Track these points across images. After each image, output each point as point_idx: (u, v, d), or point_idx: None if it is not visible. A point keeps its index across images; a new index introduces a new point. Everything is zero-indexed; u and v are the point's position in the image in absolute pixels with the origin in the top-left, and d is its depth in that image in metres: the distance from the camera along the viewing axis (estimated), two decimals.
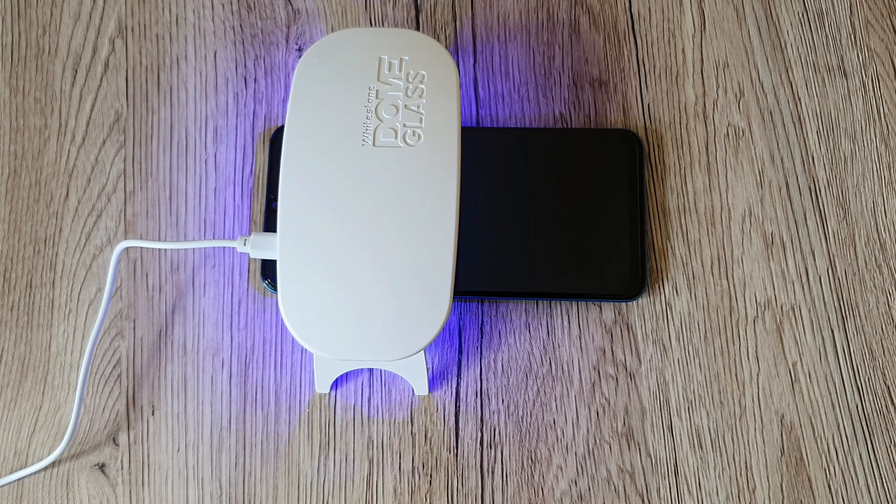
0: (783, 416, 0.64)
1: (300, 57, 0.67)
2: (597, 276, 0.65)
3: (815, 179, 0.68)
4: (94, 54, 0.71)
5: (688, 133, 0.69)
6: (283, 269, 0.58)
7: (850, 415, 0.64)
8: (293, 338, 0.62)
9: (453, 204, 0.59)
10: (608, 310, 0.66)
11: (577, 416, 0.64)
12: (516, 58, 0.71)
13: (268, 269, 0.66)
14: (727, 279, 0.66)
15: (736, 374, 0.64)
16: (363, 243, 0.58)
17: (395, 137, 0.60)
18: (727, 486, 0.62)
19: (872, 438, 0.63)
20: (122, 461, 0.63)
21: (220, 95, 0.70)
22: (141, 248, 0.66)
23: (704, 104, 0.70)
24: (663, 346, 0.65)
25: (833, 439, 0.63)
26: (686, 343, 0.65)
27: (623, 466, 0.63)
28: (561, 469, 0.63)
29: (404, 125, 0.61)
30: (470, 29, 0.72)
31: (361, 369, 0.65)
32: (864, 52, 0.71)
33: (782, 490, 0.62)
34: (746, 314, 0.65)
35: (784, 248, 0.67)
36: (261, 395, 0.64)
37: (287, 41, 0.71)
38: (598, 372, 0.65)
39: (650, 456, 0.63)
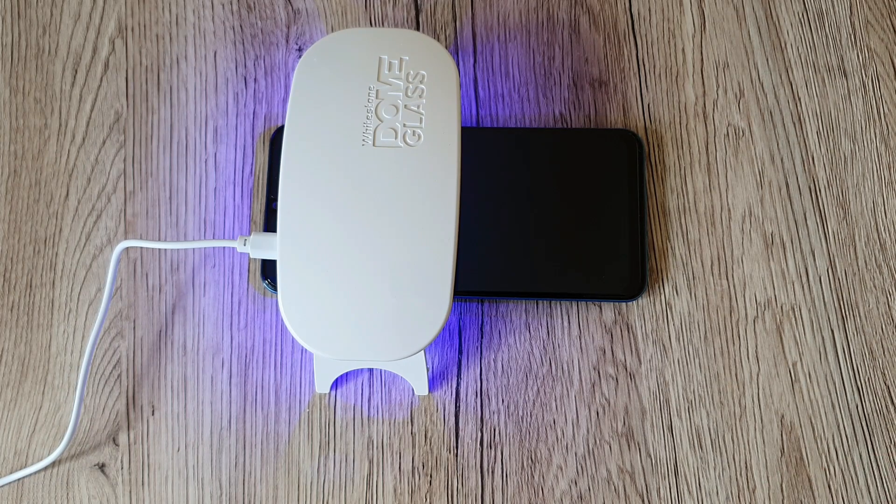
0: (783, 416, 0.64)
1: (300, 57, 0.67)
2: (597, 276, 0.65)
3: (815, 179, 0.68)
4: (94, 54, 0.71)
5: (688, 133, 0.69)
6: (283, 269, 0.58)
7: (850, 415, 0.64)
8: (293, 338, 0.62)
9: (453, 204, 0.59)
10: (608, 310, 0.66)
11: (577, 416, 0.64)
12: (516, 58, 0.71)
13: (268, 269, 0.66)
14: (727, 279, 0.66)
15: (736, 374, 0.64)
16: (363, 243, 0.58)
17: (395, 137, 0.60)
18: (727, 486, 0.62)
19: (872, 438, 0.63)
20: (122, 461, 0.63)
21: (220, 95, 0.70)
22: (141, 248, 0.66)
23: (704, 104, 0.70)
24: (663, 346, 0.65)
25: (833, 439, 0.63)
26: (686, 343, 0.65)
27: (623, 466, 0.63)
28: (561, 469, 0.63)
29: (404, 125, 0.61)
30: (470, 29, 0.72)
31: (361, 369, 0.65)
32: (864, 52, 0.71)
33: (782, 490, 0.62)
34: (746, 314, 0.65)
35: (784, 248, 0.67)
36: (261, 395, 0.64)
37: (287, 41, 0.71)
38: (598, 372, 0.65)
39: (650, 456, 0.63)
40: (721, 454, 0.63)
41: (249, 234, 0.67)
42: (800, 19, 0.71)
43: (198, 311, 0.66)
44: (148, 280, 0.66)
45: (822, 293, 0.66)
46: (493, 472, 0.63)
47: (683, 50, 0.71)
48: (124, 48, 0.71)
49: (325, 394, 0.64)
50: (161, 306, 0.66)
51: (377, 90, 0.62)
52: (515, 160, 0.68)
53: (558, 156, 0.68)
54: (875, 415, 0.64)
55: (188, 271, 0.67)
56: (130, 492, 0.63)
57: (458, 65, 0.70)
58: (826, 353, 0.65)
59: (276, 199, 0.61)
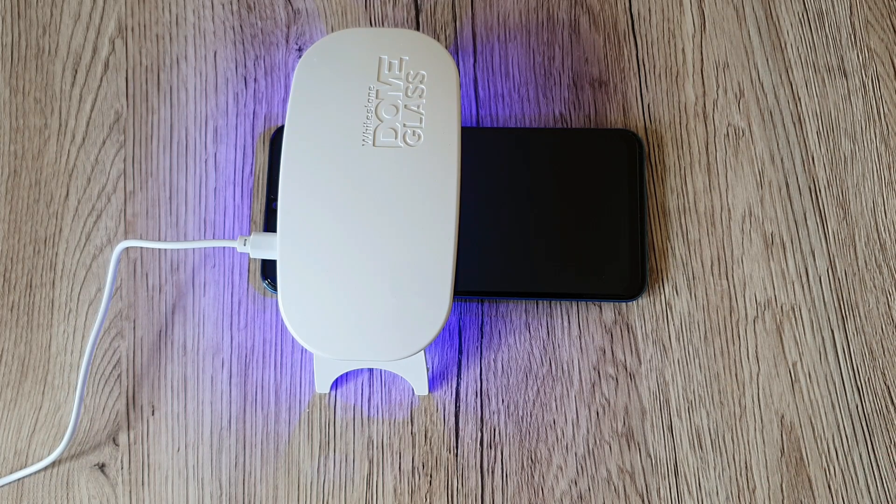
0: (783, 417, 0.64)
1: (300, 57, 0.67)
2: (597, 276, 0.65)
3: (815, 179, 0.68)
4: (94, 54, 0.71)
5: (688, 133, 0.69)
6: (283, 269, 0.58)
7: (850, 415, 0.64)
8: (293, 338, 0.62)
9: (453, 204, 0.59)
10: (608, 310, 0.66)
11: (577, 417, 0.64)
12: (516, 58, 0.71)
13: (268, 269, 0.66)
14: (727, 279, 0.66)
15: (736, 375, 0.64)
16: (363, 243, 0.58)
17: (395, 137, 0.60)
18: (727, 486, 0.62)
19: (872, 438, 0.63)
20: (122, 461, 0.63)
21: (220, 95, 0.70)
22: (141, 248, 0.66)
23: (704, 104, 0.70)
24: (663, 346, 0.65)
25: (833, 439, 0.63)
26: (686, 343, 0.65)
27: (623, 466, 0.63)
28: (561, 469, 0.63)
29: (404, 125, 0.61)
30: (470, 29, 0.72)
31: (361, 369, 0.65)
32: (864, 52, 0.71)
33: (782, 490, 0.62)
34: (746, 314, 0.65)
35: (784, 248, 0.67)
36: (261, 395, 0.64)
37: (287, 41, 0.71)
38: (598, 372, 0.65)
39: (650, 456, 0.63)
40: (721, 454, 0.63)
41: (249, 234, 0.67)
42: (800, 19, 0.71)
43: (198, 311, 0.66)
44: (148, 280, 0.66)
45: (822, 293, 0.66)
46: (493, 472, 0.63)
47: (683, 50, 0.71)
48: (124, 48, 0.71)
49: (325, 394, 0.64)
50: (161, 306, 0.66)
51: (377, 90, 0.62)
52: (515, 160, 0.68)
53: (558, 156, 0.68)
54: (875, 415, 0.64)
55: (188, 271, 0.67)
56: (130, 492, 0.63)
57: (458, 65, 0.70)
58: (826, 353, 0.65)
59: (276, 199, 0.61)
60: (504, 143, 0.68)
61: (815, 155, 0.69)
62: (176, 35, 0.71)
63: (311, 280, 0.58)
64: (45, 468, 0.63)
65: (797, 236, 0.67)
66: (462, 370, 0.65)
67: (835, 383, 0.64)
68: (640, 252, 0.65)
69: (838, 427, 0.63)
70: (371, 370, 0.65)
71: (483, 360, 0.65)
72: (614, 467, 0.63)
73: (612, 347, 0.65)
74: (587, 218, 0.66)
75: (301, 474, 0.63)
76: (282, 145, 0.60)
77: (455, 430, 0.64)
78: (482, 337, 0.65)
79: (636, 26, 0.72)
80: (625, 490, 0.63)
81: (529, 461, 0.63)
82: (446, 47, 0.71)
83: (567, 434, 0.64)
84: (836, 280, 0.66)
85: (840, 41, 0.71)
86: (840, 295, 0.66)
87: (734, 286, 0.66)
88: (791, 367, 0.64)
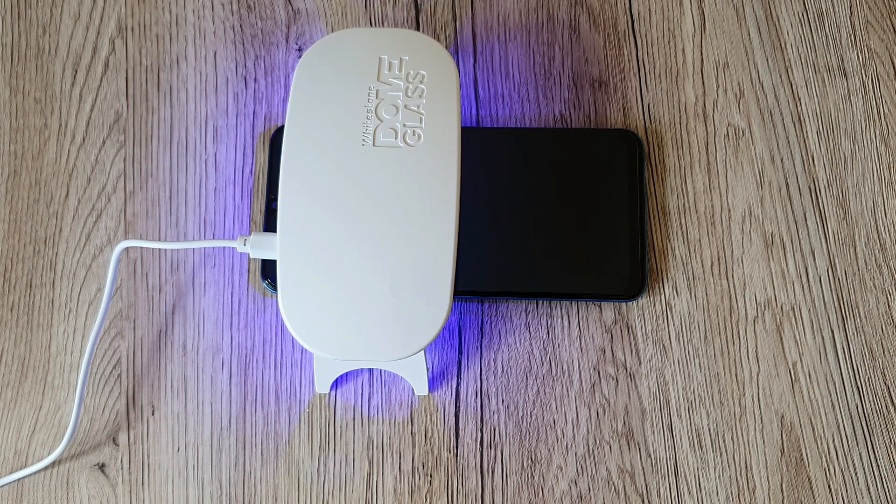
0: (783, 416, 0.64)
1: (300, 57, 0.67)
2: (597, 276, 0.65)
3: (815, 179, 0.68)
4: (94, 54, 0.71)
5: (688, 133, 0.69)
6: (283, 269, 0.58)
7: (850, 415, 0.64)
8: (293, 338, 0.62)
9: (453, 204, 0.59)
10: (608, 310, 0.66)
11: (577, 416, 0.64)
12: (516, 58, 0.71)
13: (268, 269, 0.66)
14: (727, 279, 0.66)
15: (736, 375, 0.64)
16: (363, 243, 0.58)
17: (395, 137, 0.60)
18: (727, 486, 0.62)
19: (872, 438, 0.63)
20: (122, 461, 0.63)
21: (220, 95, 0.70)
22: (141, 248, 0.66)
23: (704, 104, 0.70)
24: (663, 346, 0.65)
25: (833, 439, 0.63)
26: (686, 343, 0.65)
27: (623, 466, 0.63)
28: (561, 469, 0.63)
29: (404, 125, 0.61)
30: (470, 29, 0.72)
31: (361, 369, 0.65)
32: (864, 52, 0.71)
33: (782, 490, 0.62)
34: (746, 314, 0.65)
35: (784, 248, 0.67)
36: (261, 395, 0.64)
37: (287, 41, 0.71)
38: (598, 372, 0.65)
39: (650, 456, 0.63)
40: (721, 454, 0.63)
41: (249, 234, 0.67)
42: (800, 19, 0.71)
43: (198, 311, 0.66)
44: (148, 280, 0.66)
45: (822, 293, 0.66)
46: (493, 472, 0.63)
47: (683, 50, 0.71)
48: (124, 48, 0.71)
49: (325, 394, 0.64)
50: (161, 306, 0.66)
51: (377, 90, 0.62)
52: (515, 160, 0.68)
53: (558, 156, 0.68)
54: (875, 415, 0.64)
55: (188, 271, 0.67)
56: (130, 492, 0.63)
57: (458, 65, 0.70)
58: (826, 353, 0.65)
59: (276, 199, 0.61)
60: (504, 143, 0.68)
61: (815, 155, 0.69)
62: (176, 35, 0.71)
63: (311, 280, 0.58)
64: (45, 468, 0.63)
65: (797, 236, 0.67)
66: (462, 370, 0.65)
67: (835, 383, 0.64)
68: (640, 252, 0.65)
69: (838, 427, 0.63)
70: (371, 370, 0.65)
71: (483, 360, 0.65)
72: (614, 467, 0.63)
73: (612, 347, 0.65)
74: (587, 218, 0.66)
75: (301, 474, 0.63)
76: (282, 145, 0.60)
77: (455, 430, 0.64)
78: (482, 337, 0.65)
79: (636, 26, 0.72)
80: (625, 490, 0.63)
81: (529, 461, 0.63)
82: (446, 47, 0.71)
83: (567, 434, 0.64)
84: (836, 280, 0.66)
85: (840, 41, 0.71)
86: (840, 295, 0.66)
87: (734, 286, 0.66)
88: (791, 367, 0.64)
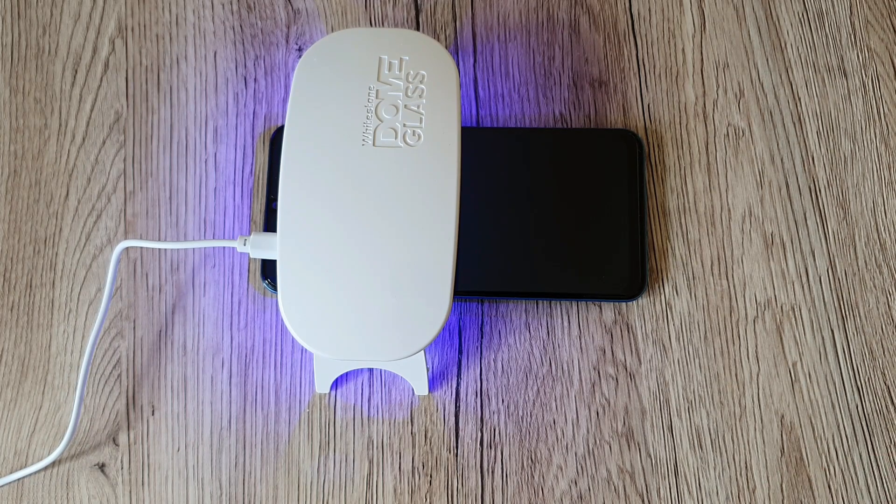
0: (783, 416, 0.64)
1: (300, 57, 0.67)
2: (597, 276, 0.65)
3: (815, 179, 0.68)
4: (94, 54, 0.71)
5: (688, 133, 0.69)
6: (283, 269, 0.58)
7: (850, 415, 0.64)
8: (293, 338, 0.62)
9: (453, 204, 0.59)
10: (608, 310, 0.66)
11: (577, 416, 0.64)
12: (516, 58, 0.71)
13: (268, 269, 0.66)
14: (727, 279, 0.66)
15: (736, 374, 0.64)
16: (363, 243, 0.58)
17: (395, 137, 0.60)
18: (727, 486, 0.62)
19: (872, 438, 0.63)
20: (122, 461, 0.63)
21: (220, 95, 0.70)
22: (141, 248, 0.66)
23: (704, 104, 0.70)
24: (663, 346, 0.65)
25: (833, 439, 0.63)
26: (686, 343, 0.65)
27: (623, 466, 0.63)
28: (561, 469, 0.63)
29: (404, 125, 0.61)
30: (470, 29, 0.72)
31: (361, 369, 0.65)
32: (864, 52, 0.71)
33: (782, 490, 0.62)
34: (746, 314, 0.65)
35: (784, 248, 0.67)
36: (261, 395, 0.64)
37: (287, 41, 0.71)
38: (598, 372, 0.65)
39: (650, 456, 0.63)
40: (721, 454, 0.63)
41: (249, 234, 0.67)
42: (800, 19, 0.71)
43: (198, 311, 0.66)
44: (148, 280, 0.66)
45: (822, 293, 0.66)
46: (493, 472, 0.63)
47: (683, 50, 0.71)
48: (124, 48, 0.71)
49: (325, 394, 0.64)
50: (161, 306, 0.66)
51: (377, 90, 0.62)
52: (515, 160, 0.68)
53: (558, 156, 0.68)
54: (875, 415, 0.64)
55: (188, 271, 0.67)
56: (130, 492, 0.63)
57: (458, 65, 0.70)
58: (826, 353, 0.65)
59: (276, 199, 0.61)
60: (504, 143, 0.68)
61: (815, 155, 0.69)
62: (176, 35, 0.71)
63: (311, 280, 0.58)
64: (45, 468, 0.63)
65: (797, 236, 0.67)
66: (462, 370, 0.65)
67: (835, 383, 0.64)
68: (640, 252, 0.65)
69: (838, 427, 0.63)
70: (371, 370, 0.65)
71: (483, 360, 0.65)
72: (614, 467, 0.63)
73: (612, 347, 0.65)
74: (587, 218, 0.66)
75: (301, 474, 0.63)
76: (282, 145, 0.60)
77: (455, 430, 0.64)
78: (482, 337, 0.65)
79: (636, 26, 0.72)
80: (625, 490, 0.63)
81: (529, 461, 0.63)
82: (446, 47, 0.71)
83: (567, 434, 0.64)
84: (836, 280, 0.66)
85: (840, 41, 0.71)
86: (840, 295, 0.66)
87: (734, 286, 0.66)
88: (791, 367, 0.64)
